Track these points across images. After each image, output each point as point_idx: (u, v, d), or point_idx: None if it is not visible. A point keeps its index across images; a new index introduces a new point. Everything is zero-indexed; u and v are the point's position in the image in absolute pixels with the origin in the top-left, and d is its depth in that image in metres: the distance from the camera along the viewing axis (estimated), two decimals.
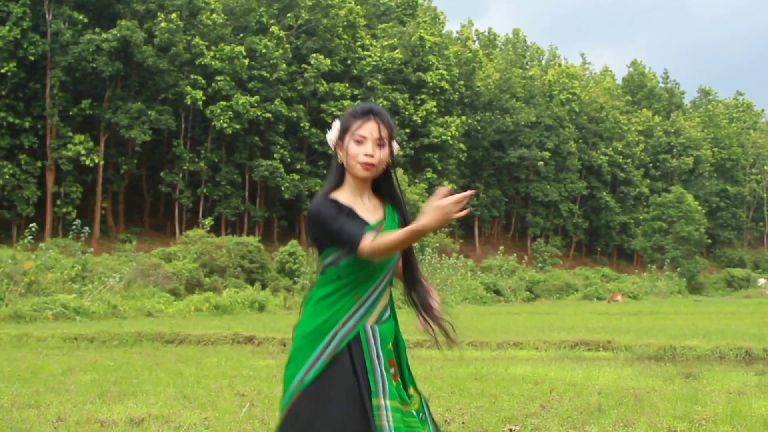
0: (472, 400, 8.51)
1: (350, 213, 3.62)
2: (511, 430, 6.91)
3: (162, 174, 56.57)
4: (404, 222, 3.71)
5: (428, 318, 3.80)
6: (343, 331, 3.55)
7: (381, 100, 63.22)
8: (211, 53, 55.62)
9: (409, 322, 3.93)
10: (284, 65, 58.65)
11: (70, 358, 12.87)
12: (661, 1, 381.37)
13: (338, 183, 3.75)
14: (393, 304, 3.77)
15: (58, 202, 51.21)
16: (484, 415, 7.60)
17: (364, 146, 3.62)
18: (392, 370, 3.60)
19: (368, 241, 3.44)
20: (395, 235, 3.38)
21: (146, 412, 7.47)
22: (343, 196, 3.70)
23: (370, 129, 3.64)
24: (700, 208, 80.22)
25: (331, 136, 3.76)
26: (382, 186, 3.78)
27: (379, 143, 3.65)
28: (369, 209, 3.71)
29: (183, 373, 10.69)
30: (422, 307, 3.81)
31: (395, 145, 3.77)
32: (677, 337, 15.60)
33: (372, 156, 3.62)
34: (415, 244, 3.81)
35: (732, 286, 75.21)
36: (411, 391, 3.73)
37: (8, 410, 7.57)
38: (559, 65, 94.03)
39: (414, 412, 3.62)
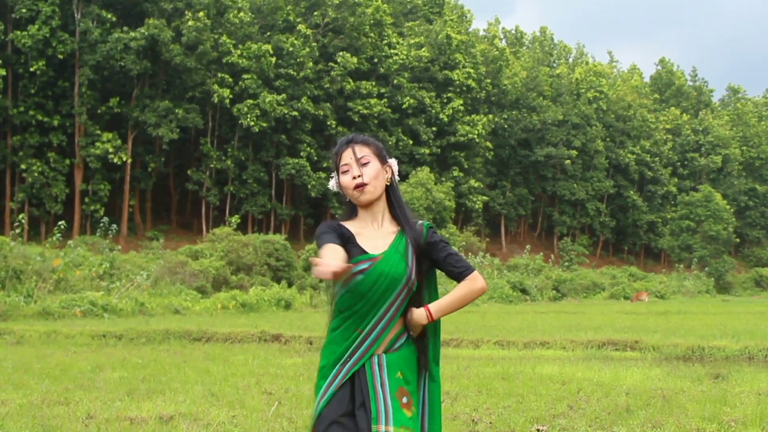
0: (499, 400, 8.49)
1: (344, 237, 3.68)
2: (538, 430, 6.90)
3: (189, 172, 56.83)
4: (412, 249, 3.70)
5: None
6: (350, 364, 3.63)
7: (407, 98, 63.25)
8: (238, 52, 55.79)
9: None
10: (311, 63, 58.73)
11: (98, 355, 12.96)
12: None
13: (351, 215, 3.82)
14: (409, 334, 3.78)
15: (86, 199, 51.56)
16: (511, 415, 7.58)
17: (350, 172, 3.70)
18: (404, 400, 3.61)
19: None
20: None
21: (175, 409, 7.51)
22: (353, 224, 3.78)
23: (348, 155, 3.73)
24: (728, 207, 79.61)
25: (332, 182, 3.85)
26: (393, 209, 3.82)
27: (362, 163, 3.69)
28: (378, 237, 3.74)
29: (211, 371, 10.74)
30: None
31: (393, 163, 3.81)
32: (705, 338, 15.50)
33: (359, 176, 3.67)
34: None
35: (760, 285, 74.65)
36: None
37: (38, 407, 7.63)
38: (587, 63, 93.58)
39: None
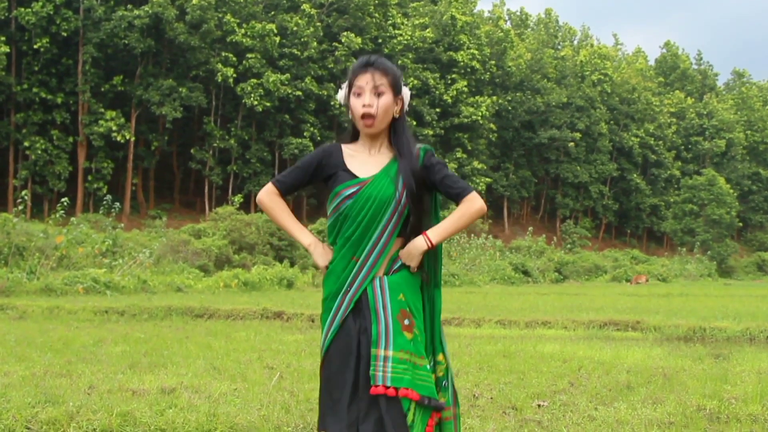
0: (500, 377, 8.51)
1: (329, 165, 3.81)
2: (539, 405, 6.92)
3: (192, 151, 56.81)
4: (403, 174, 3.71)
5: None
6: (351, 293, 3.67)
7: (412, 79, 63.12)
8: (242, 31, 55.69)
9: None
10: (315, 43, 58.61)
11: (100, 330, 12.99)
12: None
13: (354, 137, 3.85)
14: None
15: (90, 177, 51.60)
16: (512, 390, 7.60)
17: (362, 98, 3.69)
18: (406, 321, 3.62)
19: (263, 191, 3.86)
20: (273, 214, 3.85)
21: (177, 382, 7.53)
22: (351, 146, 3.81)
23: (365, 79, 3.72)
24: (731, 191, 79.61)
25: (341, 94, 3.85)
26: (393, 137, 3.82)
27: (377, 92, 3.69)
28: (371, 162, 3.76)
29: (212, 347, 10.76)
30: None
31: (406, 93, 3.82)
32: (707, 319, 15.50)
33: (370, 106, 3.67)
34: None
35: (763, 269, 74.74)
36: (440, 357, 3.77)
37: (41, 378, 7.66)
38: (591, 46, 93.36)
39: (428, 367, 3.65)
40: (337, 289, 3.68)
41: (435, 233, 3.71)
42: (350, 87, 3.77)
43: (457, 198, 3.74)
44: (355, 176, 3.70)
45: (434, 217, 3.87)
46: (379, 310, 3.60)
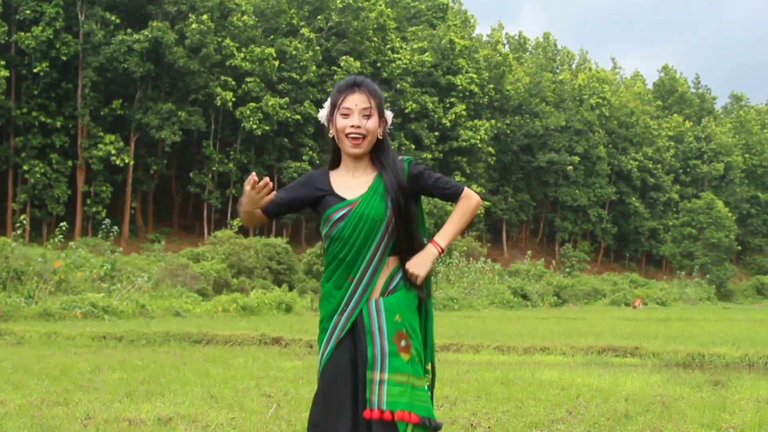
0: (498, 405, 8.49)
1: (317, 191, 3.82)
2: None
3: (191, 175, 56.85)
4: (391, 189, 3.71)
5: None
6: (347, 313, 3.67)
7: (410, 102, 63.32)
8: (242, 55, 55.85)
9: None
10: (314, 67, 58.81)
11: (98, 356, 12.96)
12: (694, 5, 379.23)
13: (335, 161, 3.85)
14: (405, 273, 3.79)
15: (89, 201, 51.61)
16: (510, 419, 7.58)
17: (350, 118, 3.71)
18: (402, 343, 3.62)
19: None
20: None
21: (174, 411, 7.51)
22: (336, 172, 3.82)
23: (355, 100, 3.74)
24: (730, 214, 79.55)
25: (323, 113, 3.87)
26: (376, 157, 3.82)
27: (366, 114, 3.71)
28: (356, 184, 3.78)
29: (210, 374, 10.74)
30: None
31: (389, 115, 3.84)
32: (706, 345, 15.48)
33: (359, 127, 3.69)
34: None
35: (762, 293, 74.54)
36: (428, 366, 3.77)
37: (38, 407, 7.63)
38: (590, 69, 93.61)
39: (426, 387, 3.64)
40: (333, 309, 3.69)
41: (442, 237, 3.74)
42: (334, 107, 3.79)
43: (453, 197, 3.79)
44: (343, 199, 3.72)
45: (422, 227, 3.87)
46: (375, 333, 3.60)
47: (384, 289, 3.69)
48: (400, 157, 3.81)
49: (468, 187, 3.79)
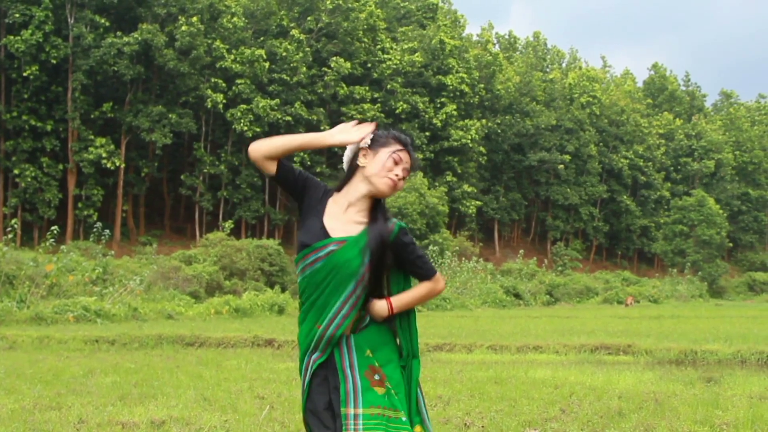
0: (491, 404, 8.50)
1: (316, 198, 3.83)
2: None
3: (182, 177, 56.73)
4: (372, 245, 3.70)
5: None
6: (315, 356, 3.70)
7: (401, 103, 63.31)
8: (232, 56, 55.75)
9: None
10: (304, 68, 58.75)
11: (91, 360, 12.94)
12: (683, 3, 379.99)
13: (340, 188, 3.84)
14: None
15: (80, 204, 51.45)
16: (503, 418, 7.59)
17: (398, 168, 3.75)
18: (375, 377, 3.63)
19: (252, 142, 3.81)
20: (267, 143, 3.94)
21: (167, 414, 7.50)
22: (334, 198, 3.81)
23: (406, 158, 3.84)
24: (721, 211, 79.77)
25: (349, 152, 3.89)
26: (374, 208, 3.83)
27: (405, 175, 3.81)
28: (343, 220, 3.78)
29: (203, 376, 10.73)
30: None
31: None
32: (698, 342, 15.52)
33: (403, 180, 3.82)
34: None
35: (754, 290, 74.79)
36: (417, 430, 3.74)
37: (30, 412, 7.62)
38: (580, 68, 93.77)
39: (403, 419, 3.62)
40: (305, 349, 3.72)
41: (397, 301, 3.76)
42: (384, 146, 3.81)
43: (423, 278, 3.84)
44: (327, 234, 3.70)
45: (403, 283, 3.88)
46: (347, 370, 3.62)
47: (354, 327, 3.70)
48: (394, 220, 3.82)
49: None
